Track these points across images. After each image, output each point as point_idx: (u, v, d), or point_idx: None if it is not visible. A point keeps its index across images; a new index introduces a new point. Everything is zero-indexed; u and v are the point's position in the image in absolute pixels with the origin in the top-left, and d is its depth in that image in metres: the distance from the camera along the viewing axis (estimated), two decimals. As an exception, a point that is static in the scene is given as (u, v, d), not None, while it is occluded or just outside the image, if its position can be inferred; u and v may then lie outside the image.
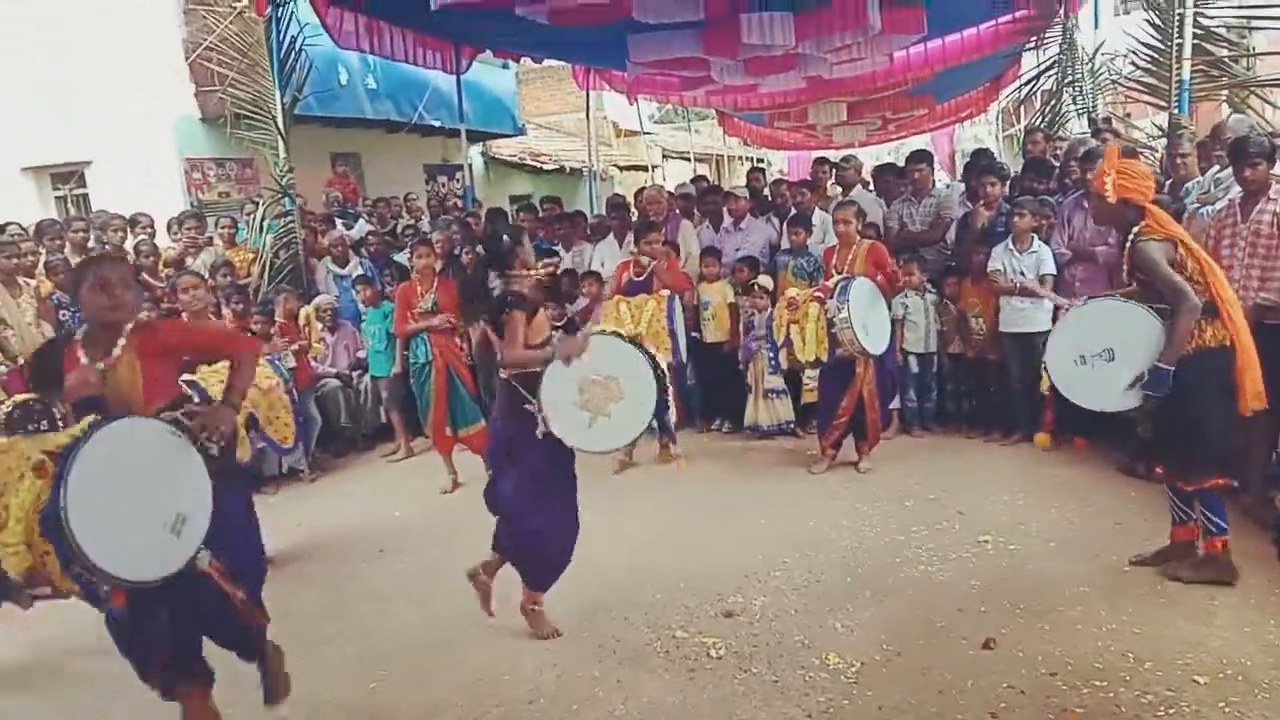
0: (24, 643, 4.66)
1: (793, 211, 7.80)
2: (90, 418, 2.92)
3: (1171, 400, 3.98)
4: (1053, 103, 10.32)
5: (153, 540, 2.94)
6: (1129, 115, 9.51)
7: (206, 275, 7.76)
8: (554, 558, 4.19)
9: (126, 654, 3.24)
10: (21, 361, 6.23)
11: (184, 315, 5.64)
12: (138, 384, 3.19)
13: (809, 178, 9.17)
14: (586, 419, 4.04)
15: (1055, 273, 6.21)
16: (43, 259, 6.99)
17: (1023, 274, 6.27)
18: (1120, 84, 8.78)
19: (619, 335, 4.32)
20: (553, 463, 4.14)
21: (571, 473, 4.25)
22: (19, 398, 5.76)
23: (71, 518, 2.68)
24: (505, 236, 4.28)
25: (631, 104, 14.59)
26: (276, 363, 6.26)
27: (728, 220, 8.09)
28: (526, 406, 4.02)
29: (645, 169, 21.01)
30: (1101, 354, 4.10)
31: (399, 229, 9.74)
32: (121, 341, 3.22)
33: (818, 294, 6.02)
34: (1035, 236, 6.34)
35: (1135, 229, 4.06)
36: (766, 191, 8.94)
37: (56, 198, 11.07)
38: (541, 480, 4.12)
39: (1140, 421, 4.58)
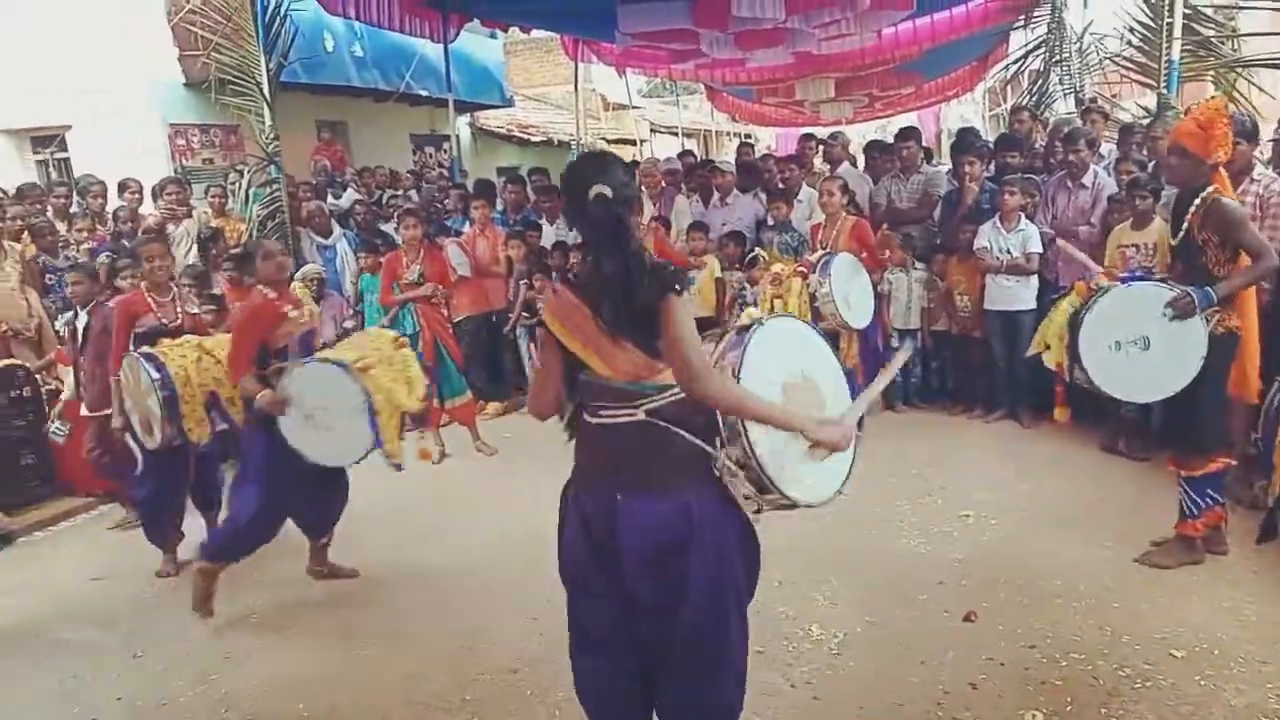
0: (6, 608, 4.65)
1: (781, 187, 7.79)
2: None
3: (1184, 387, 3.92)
4: (1040, 82, 10.35)
5: None
6: (1116, 96, 9.52)
7: (192, 243, 7.71)
8: None
9: None
10: (4, 327, 6.18)
11: (142, 285, 4.95)
12: None
13: (795, 154, 9.16)
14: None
15: (1042, 251, 6.23)
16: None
17: (1009, 252, 6.31)
18: (1113, 61, 8.79)
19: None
20: None
21: None
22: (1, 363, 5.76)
23: None
24: None
25: (620, 77, 14.47)
26: None
27: (715, 195, 8.06)
28: None
29: (633, 143, 20.91)
30: (1136, 341, 3.90)
31: (384, 199, 9.67)
32: None
33: (801, 269, 6.05)
34: (1022, 215, 6.37)
35: (1208, 189, 3.88)
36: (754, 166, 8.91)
37: (37, 161, 10.93)
38: None
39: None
